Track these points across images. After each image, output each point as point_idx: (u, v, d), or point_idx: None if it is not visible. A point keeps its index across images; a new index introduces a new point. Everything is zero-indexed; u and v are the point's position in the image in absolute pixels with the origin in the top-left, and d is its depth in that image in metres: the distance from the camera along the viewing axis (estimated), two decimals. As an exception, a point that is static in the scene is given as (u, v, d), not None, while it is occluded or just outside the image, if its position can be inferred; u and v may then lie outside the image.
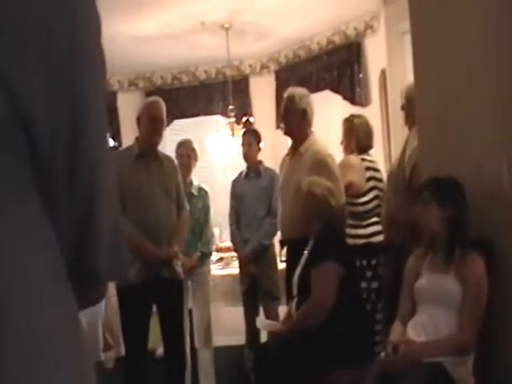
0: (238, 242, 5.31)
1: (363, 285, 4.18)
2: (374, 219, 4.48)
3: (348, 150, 4.71)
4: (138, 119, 4.09)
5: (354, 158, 4.59)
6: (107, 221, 0.83)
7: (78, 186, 0.78)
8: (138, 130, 4.13)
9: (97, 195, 0.80)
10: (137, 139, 4.15)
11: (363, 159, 4.60)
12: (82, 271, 0.83)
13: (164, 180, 4.05)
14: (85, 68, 0.78)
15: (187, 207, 4.25)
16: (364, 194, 4.53)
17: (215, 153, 6.86)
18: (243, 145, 5.41)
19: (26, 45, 0.71)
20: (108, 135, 0.88)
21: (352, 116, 4.84)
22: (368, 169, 4.58)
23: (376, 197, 4.54)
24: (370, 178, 4.55)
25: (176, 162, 4.89)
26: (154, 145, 4.07)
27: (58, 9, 0.74)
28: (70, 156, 0.76)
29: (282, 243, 4.45)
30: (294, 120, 4.35)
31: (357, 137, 4.65)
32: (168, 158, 4.28)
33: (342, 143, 4.80)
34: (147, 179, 3.97)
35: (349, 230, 4.37)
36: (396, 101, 5.44)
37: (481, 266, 2.75)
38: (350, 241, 4.30)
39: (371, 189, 4.55)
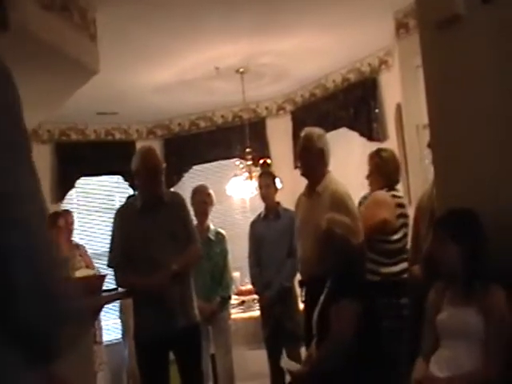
0: (259, 286, 5.26)
1: (384, 324, 4.08)
2: (404, 256, 4.39)
3: (375, 185, 4.55)
4: (137, 172, 3.96)
5: (385, 195, 4.46)
6: (26, 276, 0.84)
7: None
8: (138, 183, 4.03)
9: (9, 253, 0.80)
10: (138, 192, 4.11)
11: (394, 196, 4.48)
12: (16, 332, 0.83)
13: (171, 225, 3.97)
14: None
15: (198, 242, 4.15)
16: (396, 232, 4.40)
17: (234, 196, 6.86)
18: (261, 187, 5.41)
19: None
20: (28, 188, 0.89)
21: (379, 150, 4.70)
22: (398, 206, 4.45)
23: (405, 234, 4.43)
24: (399, 215, 4.43)
25: (194, 207, 4.92)
26: (158, 194, 3.99)
27: None
28: None
29: (302, 283, 4.39)
30: (312, 160, 4.31)
31: (386, 172, 4.51)
32: (175, 196, 4.18)
33: (368, 178, 4.64)
34: (154, 230, 3.90)
35: (380, 269, 4.28)
36: (412, 135, 5.41)
37: (503, 298, 2.68)
38: (378, 279, 4.24)
39: (401, 226, 4.44)
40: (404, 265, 4.36)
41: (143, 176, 3.93)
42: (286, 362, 4.40)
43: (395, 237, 4.40)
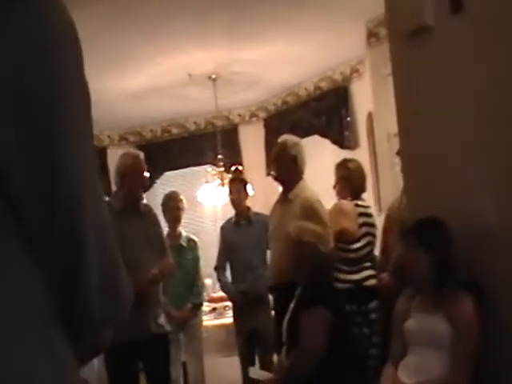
0: (234, 293, 5.18)
1: (354, 330, 4.11)
2: (366, 264, 4.43)
3: (342, 194, 4.63)
4: (124, 173, 3.93)
5: (348, 204, 4.52)
6: (96, 264, 0.79)
7: (58, 230, 0.75)
8: (123, 186, 3.97)
9: (81, 239, 0.77)
10: (116, 194, 4.08)
11: (357, 205, 4.52)
12: (77, 318, 0.79)
13: (147, 232, 3.97)
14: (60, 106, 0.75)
15: (170, 257, 4.14)
16: (357, 241, 4.45)
17: (205, 203, 6.85)
18: (232, 192, 5.40)
19: None
20: (96, 174, 0.83)
21: (345, 161, 4.75)
22: (361, 215, 4.50)
23: (369, 243, 4.49)
24: (362, 224, 4.47)
25: (167, 214, 4.88)
26: (139, 199, 4.02)
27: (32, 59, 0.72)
28: (47, 202, 0.73)
29: (272, 289, 4.40)
30: (284, 166, 4.38)
31: (352, 182, 4.58)
32: (147, 207, 4.19)
33: (334, 187, 4.72)
34: (131, 234, 3.88)
35: (341, 276, 4.32)
36: (383, 143, 5.46)
37: (470, 306, 2.70)
38: (342, 286, 4.25)
39: (364, 235, 4.48)
40: (367, 272, 4.40)
41: (132, 178, 3.91)
42: (254, 372, 4.41)
43: (356, 245, 4.44)
